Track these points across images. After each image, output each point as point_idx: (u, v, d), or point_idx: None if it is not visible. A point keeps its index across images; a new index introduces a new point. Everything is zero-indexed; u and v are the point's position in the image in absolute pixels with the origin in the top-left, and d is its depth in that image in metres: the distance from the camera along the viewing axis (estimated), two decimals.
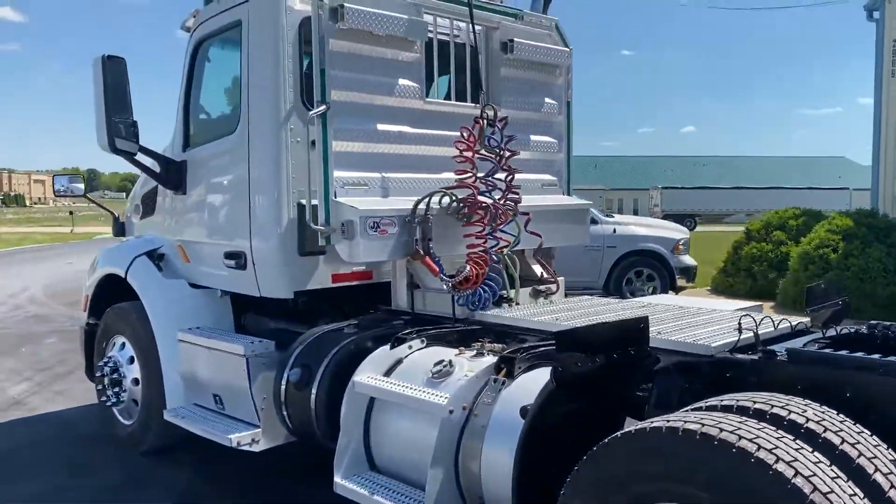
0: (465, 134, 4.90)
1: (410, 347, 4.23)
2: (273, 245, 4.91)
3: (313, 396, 4.49)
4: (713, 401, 2.97)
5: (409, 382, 3.94)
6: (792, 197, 52.02)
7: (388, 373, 4.12)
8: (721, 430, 2.58)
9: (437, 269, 4.65)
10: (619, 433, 2.85)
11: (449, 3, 5.15)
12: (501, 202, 4.91)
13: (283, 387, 4.70)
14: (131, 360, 5.99)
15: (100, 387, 6.22)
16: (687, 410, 2.98)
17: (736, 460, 2.46)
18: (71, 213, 49.10)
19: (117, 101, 5.22)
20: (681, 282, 13.15)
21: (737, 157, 67.97)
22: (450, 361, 3.90)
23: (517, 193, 5.03)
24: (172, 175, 5.63)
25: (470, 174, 4.81)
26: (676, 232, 13.65)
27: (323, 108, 4.51)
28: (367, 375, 4.06)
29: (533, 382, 3.53)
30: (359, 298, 5.41)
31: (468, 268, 4.59)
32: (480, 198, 4.79)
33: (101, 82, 5.19)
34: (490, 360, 3.89)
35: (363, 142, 4.78)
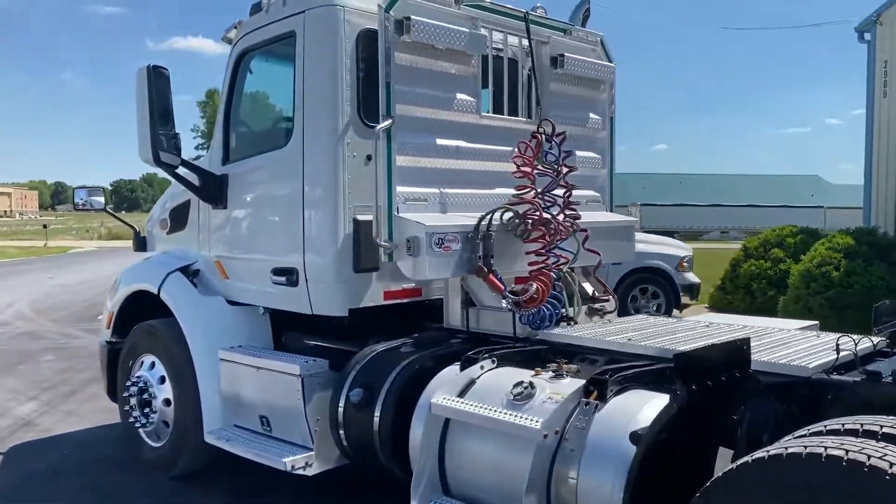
0: (523, 149, 4.83)
1: (482, 368, 4.10)
2: (328, 262, 4.77)
3: (377, 418, 4.34)
4: (832, 424, 2.89)
5: (488, 404, 3.81)
6: (768, 215, 52.77)
7: (461, 394, 3.99)
8: (869, 456, 2.49)
9: (502, 287, 4.54)
10: (748, 459, 2.74)
11: (504, 17, 5.08)
12: (561, 218, 4.82)
13: (341, 407, 4.55)
14: (162, 380, 5.79)
15: (126, 407, 5.99)
16: (803, 435, 2.89)
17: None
18: (45, 226, 48.22)
19: (161, 112, 5.07)
20: (685, 299, 13.13)
21: (711, 174, 68.80)
22: (530, 383, 3.78)
23: (574, 209, 4.96)
24: (212, 189, 5.46)
25: (530, 190, 4.73)
26: (680, 249, 13.64)
27: (389, 122, 4.41)
28: (444, 397, 3.92)
29: (630, 406, 3.43)
30: (402, 316, 5.27)
31: (535, 286, 4.49)
32: (545, 214, 4.70)
33: (147, 94, 5.03)
34: (574, 382, 3.78)
35: (423, 156, 4.68)
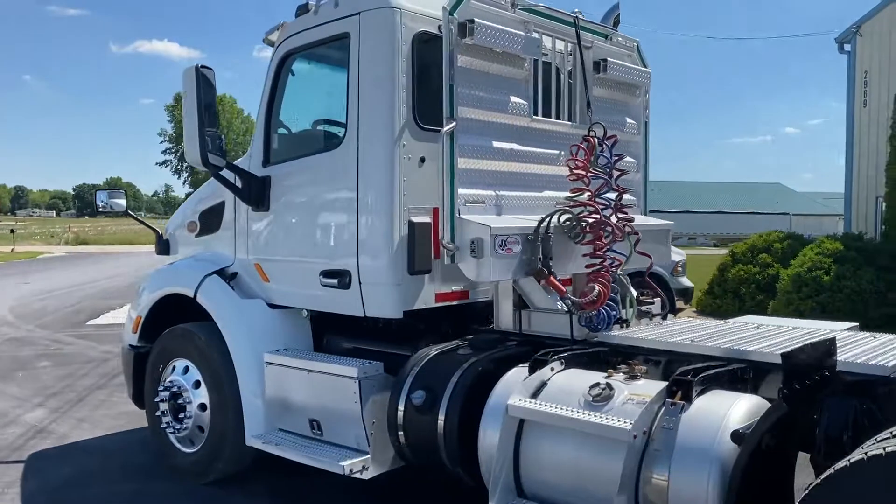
0: (575, 152, 4.87)
1: (553, 370, 4.12)
2: (384, 264, 4.75)
3: (441, 420, 4.34)
4: None
5: (565, 406, 3.83)
6: (736, 221, 53.57)
7: (533, 396, 4.00)
8: None
9: (564, 289, 4.57)
10: (861, 456, 2.80)
11: (553, 21, 5.12)
12: (614, 221, 4.86)
13: (400, 410, 4.54)
14: (197, 385, 5.70)
15: (158, 413, 5.90)
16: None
17: None
18: (12, 231, 47.10)
19: (209, 113, 5.01)
20: (679, 303, 13.31)
21: (675, 181, 69.66)
22: (607, 384, 3.82)
23: (625, 213, 5.01)
24: (255, 191, 5.40)
25: (586, 192, 4.77)
26: (675, 254, 13.82)
27: (453, 124, 4.41)
28: (520, 398, 3.93)
29: (718, 406, 3.48)
30: (442, 319, 5.26)
31: (597, 288, 4.52)
32: (603, 216, 4.74)
33: (195, 94, 4.97)
34: (650, 383, 3.83)
35: (480, 158, 4.69)
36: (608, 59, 5.45)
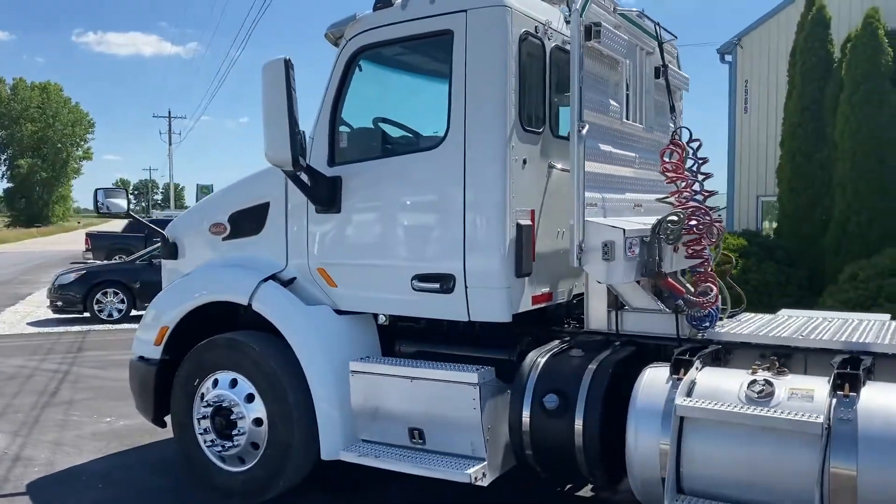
0: (668, 155, 5.00)
1: (698, 369, 4.22)
2: (496, 267, 4.64)
3: (579, 423, 4.33)
4: None
5: (727, 403, 3.95)
6: None
7: (688, 394, 4.08)
8: None
9: (683, 289, 4.68)
10: None
11: (634, 25, 5.22)
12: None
13: (525, 415, 4.49)
14: (250, 399, 5.32)
15: (199, 431, 5.47)
16: None
17: None
18: None
19: (296, 110, 4.70)
20: None
21: None
22: (766, 381, 3.97)
23: (712, 213, 5.17)
24: (324, 192, 5.11)
25: (681, 193, 4.91)
26: None
27: (587, 127, 4.41)
28: (686, 399, 4.00)
29: (889, 397, 3.72)
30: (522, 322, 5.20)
31: (715, 287, 4.66)
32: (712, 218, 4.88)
33: (284, 90, 4.63)
34: (804, 378, 4.03)
35: (593, 161, 4.69)
36: (668, 65, 5.61)
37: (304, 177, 5.01)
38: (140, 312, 14.94)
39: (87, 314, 14.48)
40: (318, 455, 5.10)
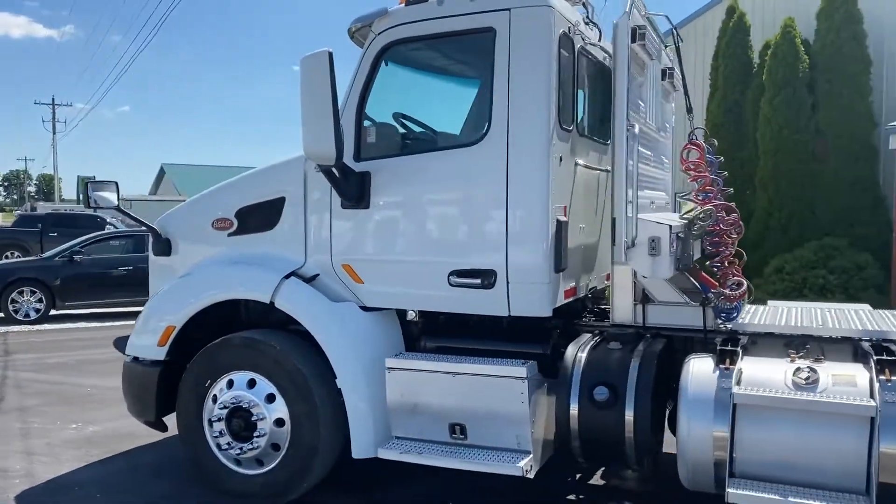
0: (686, 155, 5.22)
1: (742, 359, 4.45)
2: (538, 262, 4.71)
3: (630, 415, 4.48)
4: None
5: (776, 389, 4.19)
6: None
7: (737, 383, 4.30)
8: None
9: (716, 282, 4.90)
10: None
11: (652, 28, 5.40)
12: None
13: (574, 408, 4.61)
14: (271, 399, 5.19)
15: (214, 434, 5.30)
16: None
17: None
18: None
19: (338, 104, 4.63)
20: None
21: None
22: (810, 368, 4.24)
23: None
24: (354, 187, 5.04)
25: (712, 191, 5.14)
26: None
27: (637, 126, 4.55)
28: (740, 387, 4.21)
29: None
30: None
31: (745, 281, 4.91)
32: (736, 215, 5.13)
33: (329, 84, 4.54)
34: (841, 364, 4.31)
35: (630, 160, 4.84)
36: (673, 68, 5.86)
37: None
38: (62, 312, 14.23)
39: (0, 314, 13.57)
40: (344, 455, 5.05)
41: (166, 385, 5.61)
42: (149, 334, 5.66)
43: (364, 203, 5.09)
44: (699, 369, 4.45)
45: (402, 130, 5.33)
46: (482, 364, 4.76)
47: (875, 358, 4.21)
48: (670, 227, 4.58)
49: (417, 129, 5.36)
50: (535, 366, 4.75)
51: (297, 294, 5.20)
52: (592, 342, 4.90)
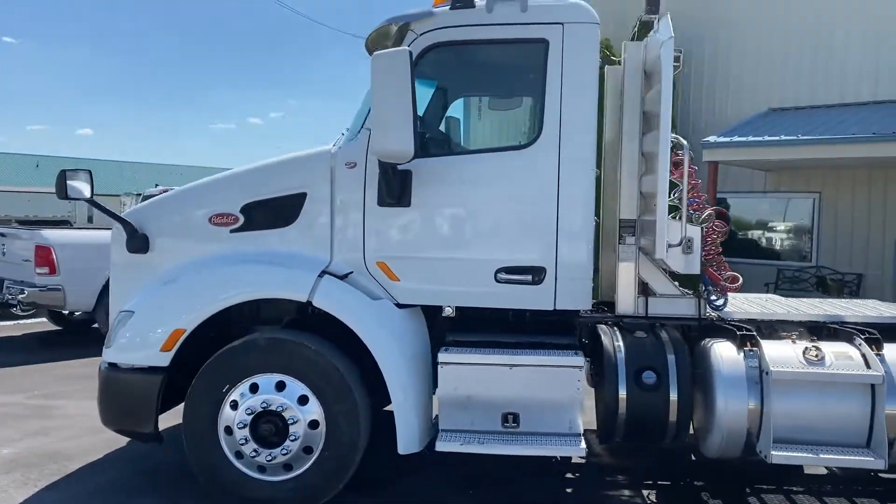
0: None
1: (759, 341, 5.16)
2: (585, 259, 5.09)
3: (674, 396, 5.05)
4: None
5: (793, 366, 4.97)
6: None
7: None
8: None
9: (720, 277, 5.58)
10: None
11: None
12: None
13: (622, 392, 5.08)
14: (303, 401, 5.05)
15: (242, 441, 5.02)
16: None
17: None
18: None
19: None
20: None
21: (156, 164, 67.81)
22: (816, 347, 5.08)
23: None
24: (396, 186, 5.05)
25: (700, 196, 5.82)
26: None
27: (684, 141, 5.09)
28: (773, 366, 4.91)
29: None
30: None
31: (738, 276, 5.64)
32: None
33: (409, 81, 4.55)
34: (833, 344, 5.19)
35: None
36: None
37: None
38: None
39: None
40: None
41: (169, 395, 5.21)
42: (146, 338, 5.17)
43: (405, 201, 5.12)
44: (726, 352, 5.11)
45: (444, 131, 5.41)
46: (539, 356, 5.04)
47: (863, 337, 5.13)
48: (701, 228, 5.20)
49: (460, 129, 5.48)
50: (582, 355, 5.13)
51: (338, 293, 5.10)
52: (621, 332, 5.38)
